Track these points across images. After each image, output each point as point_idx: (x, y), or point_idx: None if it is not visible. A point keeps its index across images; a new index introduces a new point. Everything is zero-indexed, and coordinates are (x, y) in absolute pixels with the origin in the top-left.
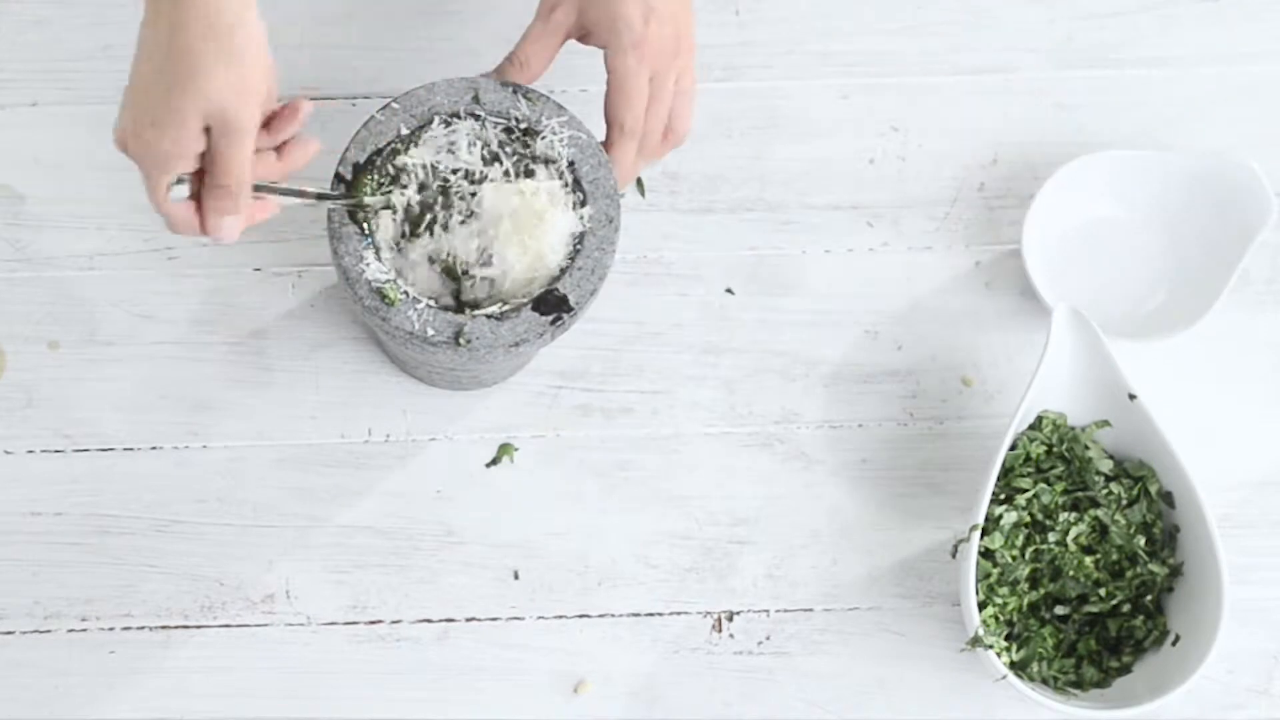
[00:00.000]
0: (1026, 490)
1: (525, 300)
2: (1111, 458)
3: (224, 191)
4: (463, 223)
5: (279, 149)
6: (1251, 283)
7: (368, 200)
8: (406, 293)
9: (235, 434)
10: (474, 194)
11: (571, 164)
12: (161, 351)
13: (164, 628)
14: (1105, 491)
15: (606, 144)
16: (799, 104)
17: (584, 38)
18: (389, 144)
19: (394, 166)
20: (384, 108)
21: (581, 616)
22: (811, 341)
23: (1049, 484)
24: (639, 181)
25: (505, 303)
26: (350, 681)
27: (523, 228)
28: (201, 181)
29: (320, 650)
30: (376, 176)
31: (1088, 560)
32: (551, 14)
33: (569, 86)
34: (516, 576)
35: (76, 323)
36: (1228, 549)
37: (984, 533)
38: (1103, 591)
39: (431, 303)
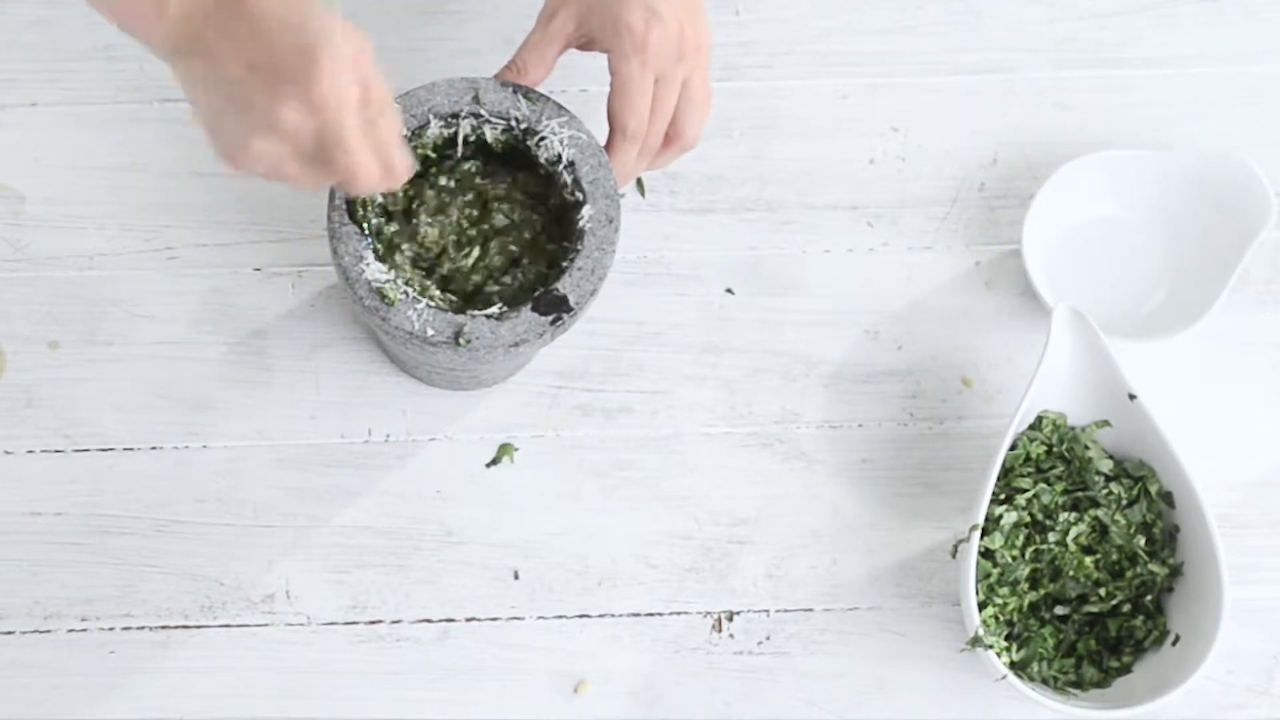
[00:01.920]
0: (1026, 490)
1: (524, 300)
2: (1111, 458)
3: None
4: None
5: None
6: (1251, 283)
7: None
8: (406, 292)
9: (235, 434)
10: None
11: (571, 164)
12: (161, 351)
13: (164, 628)
14: (1105, 491)
15: (608, 146)
16: (799, 104)
17: (586, 45)
18: None
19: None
20: None
21: (581, 616)
22: (811, 341)
23: (1049, 484)
24: (639, 181)
25: (504, 303)
26: (350, 681)
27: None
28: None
29: (320, 650)
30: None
31: (1088, 560)
32: (550, 22)
33: (569, 86)
34: (516, 576)
35: (76, 323)
36: (1228, 549)
37: (984, 533)
38: (1103, 591)
39: (431, 303)
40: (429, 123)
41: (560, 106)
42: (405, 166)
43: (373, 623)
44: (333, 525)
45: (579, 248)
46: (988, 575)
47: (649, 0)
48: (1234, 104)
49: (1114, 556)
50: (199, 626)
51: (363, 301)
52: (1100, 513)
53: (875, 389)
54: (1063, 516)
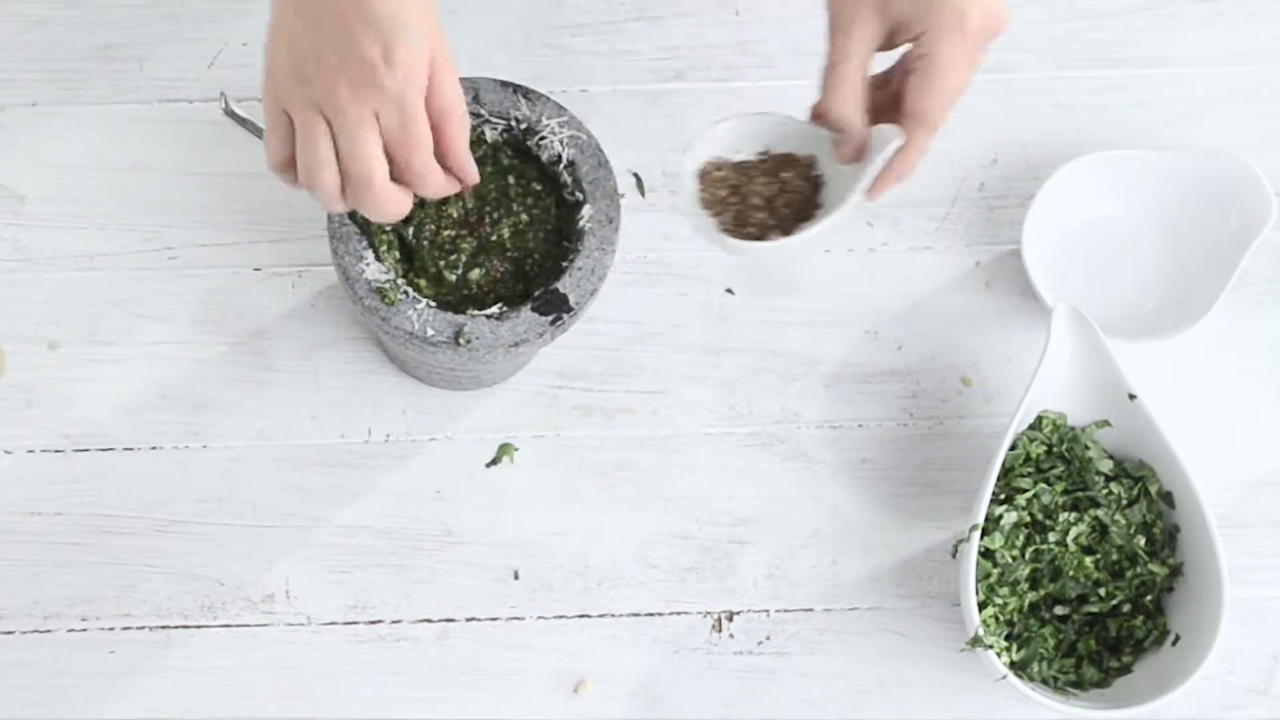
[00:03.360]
0: (1026, 490)
1: (524, 300)
2: (1111, 458)
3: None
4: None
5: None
6: (1251, 283)
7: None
8: (406, 292)
9: (235, 434)
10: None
11: (571, 164)
12: (161, 351)
13: (164, 628)
14: (1105, 491)
15: (907, 145)
16: (799, 104)
17: (890, 39)
18: None
19: None
20: None
21: (581, 616)
22: (811, 341)
23: (1049, 484)
24: (639, 181)
25: (504, 303)
26: (350, 681)
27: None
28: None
29: (320, 650)
30: None
31: (1088, 560)
32: (850, 31)
33: (569, 87)
34: (516, 576)
35: (76, 323)
36: (1228, 549)
37: (984, 533)
38: (1103, 591)
39: (431, 303)
40: None
41: (560, 106)
42: (469, 172)
43: (373, 623)
44: (333, 525)
45: (579, 248)
46: (988, 575)
47: None
48: (1234, 104)
49: (1114, 556)
50: (199, 626)
51: (363, 301)
52: (1100, 513)
53: (875, 389)
54: (1063, 516)
